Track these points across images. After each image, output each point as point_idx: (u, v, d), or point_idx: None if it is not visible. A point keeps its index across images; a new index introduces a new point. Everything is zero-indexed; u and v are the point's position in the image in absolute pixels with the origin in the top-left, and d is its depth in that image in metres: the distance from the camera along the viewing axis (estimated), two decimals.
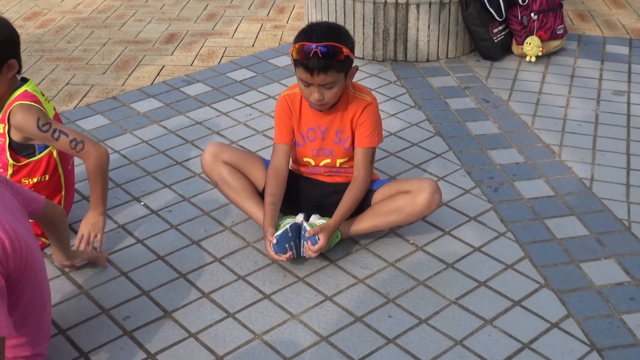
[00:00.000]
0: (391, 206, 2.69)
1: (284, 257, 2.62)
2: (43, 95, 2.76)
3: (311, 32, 2.55)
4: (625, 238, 2.83)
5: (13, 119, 2.62)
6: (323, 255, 2.72)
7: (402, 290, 2.58)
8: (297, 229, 2.64)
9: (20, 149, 2.71)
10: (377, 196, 2.76)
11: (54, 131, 2.63)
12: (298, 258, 2.68)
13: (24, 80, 2.71)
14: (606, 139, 3.53)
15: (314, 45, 2.48)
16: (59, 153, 2.78)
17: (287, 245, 2.61)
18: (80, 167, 3.11)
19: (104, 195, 2.75)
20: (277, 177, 2.74)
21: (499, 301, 2.52)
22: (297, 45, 2.53)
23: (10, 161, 2.70)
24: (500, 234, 2.86)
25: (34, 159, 2.73)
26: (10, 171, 2.71)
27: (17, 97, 2.65)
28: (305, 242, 2.62)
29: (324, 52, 2.48)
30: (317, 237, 2.60)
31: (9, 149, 2.68)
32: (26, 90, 2.67)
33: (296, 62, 2.56)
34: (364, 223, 2.74)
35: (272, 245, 2.60)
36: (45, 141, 2.67)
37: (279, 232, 2.61)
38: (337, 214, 2.66)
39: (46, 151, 2.75)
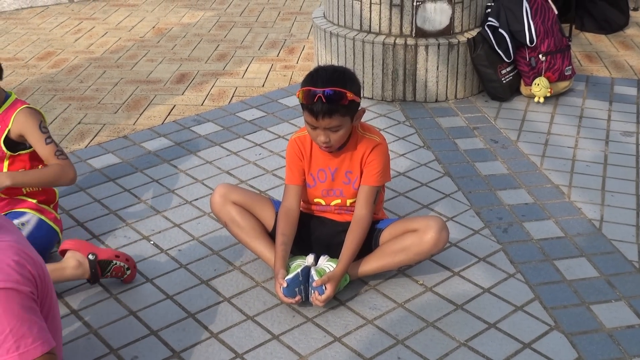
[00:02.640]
0: (399, 246, 2.69)
1: (292, 300, 2.62)
2: None
3: (317, 76, 2.59)
4: (636, 280, 2.81)
5: (18, 119, 2.86)
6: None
7: (411, 331, 2.57)
8: (307, 272, 2.65)
9: (13, 147, 2.91)
10: (384, 235, 2.76)
11: (49, 137, 2.91)
12: (307, 301, 2.68)
13: (8, 94, 2.94)
14: (615, 179, 3.53)
15: (318, 90, 2.51)
16: None
17: (296, 289, 2.61)
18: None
19: (30, 180, 2.87)
20: (289, 218, 2.75)
21: (509, 343, 2.50)
22: (303, 90, 2.56)
23: (7, 153, 2.90)
24: (510, 275, 2.85)
25: (28, 150, 2.94)
26: (5, 163, 2.91)
27: (16, 102, 2.91)
28: (312, 291, 2.62)
29: (328, 96, 2.51)
30: (324, 287, 2.60)
31: (3, 144, 2.88)
32: (18, 99, 2.94)
33: (302, 106, 2.60)
34: (373, 264, 2.74)
35: (282, 289, 2.61)
36: (38, 141, 2.88)
37: (290, 276, 2.61)
38: (343, 259, 2.66)
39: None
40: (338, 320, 2.63)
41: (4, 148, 2.89)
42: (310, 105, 2.55)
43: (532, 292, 2.75)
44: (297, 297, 2.62)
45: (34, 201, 2.97)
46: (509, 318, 2.62)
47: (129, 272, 2.80)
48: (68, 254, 2.76)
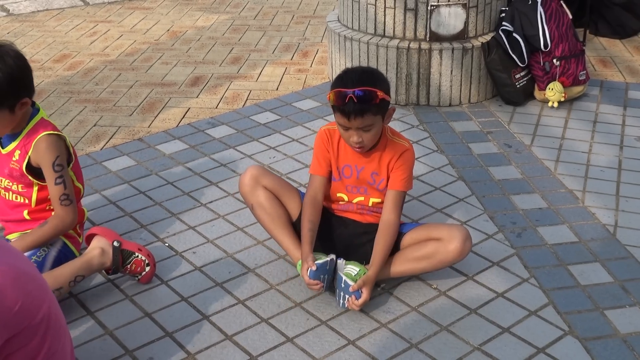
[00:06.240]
0: (422, 252, 2.70)
1: (315, 284, 2.63)
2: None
3: (346, 77, 2.62)
4: None
5: (37, 148, 2.71)
6: None
7: (425, 335, 2.58)
8: (334, 266, 2.68)
9: (36, 173, 2.78)
10: (406, 240, 2.77)
11: (60, 176, 2.74)
12: (325, 292, 2.69)
13: (36, 109, 2.78)
14: (630, 185, 3.52)
15: (349, 91, 2.54)
16: (73, 168, 2.86)
17: (321, 277, 2.63)
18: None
19: (30, 244, 2.73)
20: (314, 206, 2.77)
21: (522, 348, 2.50)
22: (333, 92, 2.59)
23: (35, 180, 2.77)
24: (524, 280, 2.85)
25: None
26: (35, 189, 2.79)
27: (40, 125, 2.74)
28: (348, 297, 2.61)
29: (359, 96, 2.54)
30: (360, 291, 2.61)
31: (27, 172, 2.75)
32: (44, 119, 2.77)
33: (333, 108, 2.63)
34: (394, 268, 2.75)
35: (310, 271, 2.61)
36: (48, 179, 2.73)
37: (320, 261, 2.63)
38: (375, 263, 2.67)
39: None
40: (352, 324, 2.64)
41: (28, 176, 2.77)
42: (341, 106, 2.58)
43: (546, 297, 2.75)
44: (320, 284, 2.64)
45: None
46: (523, 323, 2.62)
47: (148, 268, 2.82)
48: (93, 242, 2.80)
